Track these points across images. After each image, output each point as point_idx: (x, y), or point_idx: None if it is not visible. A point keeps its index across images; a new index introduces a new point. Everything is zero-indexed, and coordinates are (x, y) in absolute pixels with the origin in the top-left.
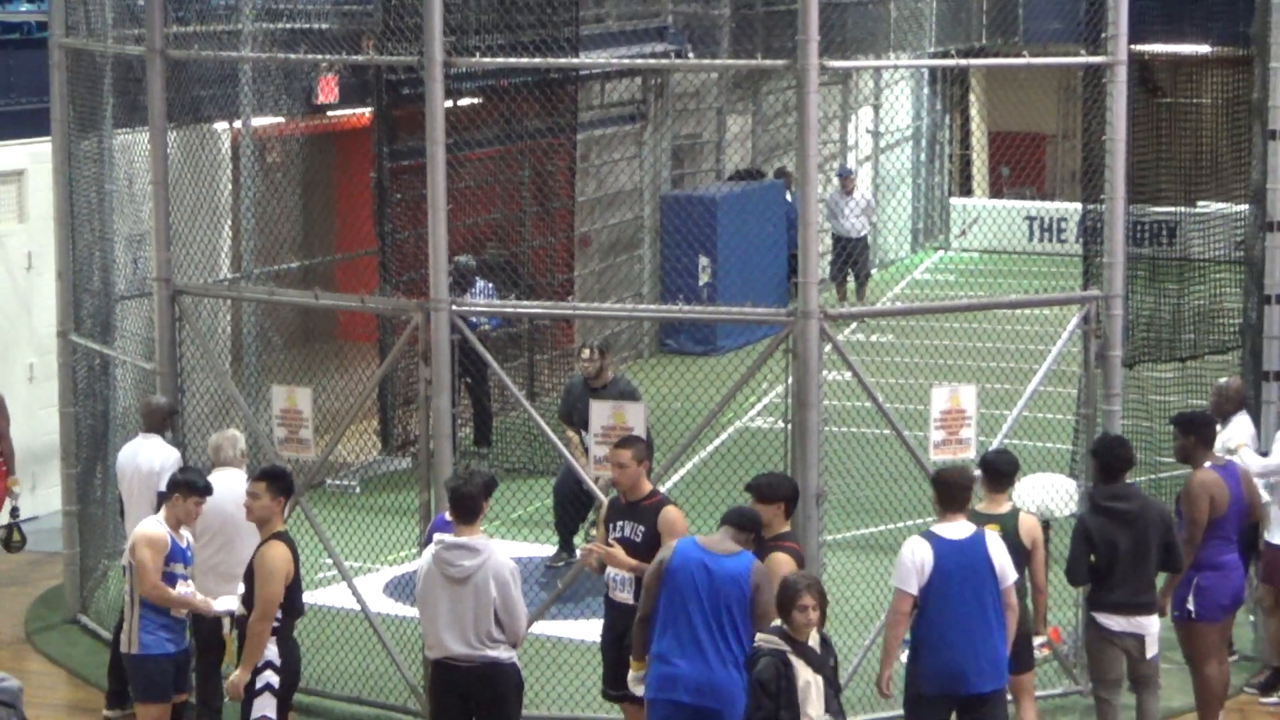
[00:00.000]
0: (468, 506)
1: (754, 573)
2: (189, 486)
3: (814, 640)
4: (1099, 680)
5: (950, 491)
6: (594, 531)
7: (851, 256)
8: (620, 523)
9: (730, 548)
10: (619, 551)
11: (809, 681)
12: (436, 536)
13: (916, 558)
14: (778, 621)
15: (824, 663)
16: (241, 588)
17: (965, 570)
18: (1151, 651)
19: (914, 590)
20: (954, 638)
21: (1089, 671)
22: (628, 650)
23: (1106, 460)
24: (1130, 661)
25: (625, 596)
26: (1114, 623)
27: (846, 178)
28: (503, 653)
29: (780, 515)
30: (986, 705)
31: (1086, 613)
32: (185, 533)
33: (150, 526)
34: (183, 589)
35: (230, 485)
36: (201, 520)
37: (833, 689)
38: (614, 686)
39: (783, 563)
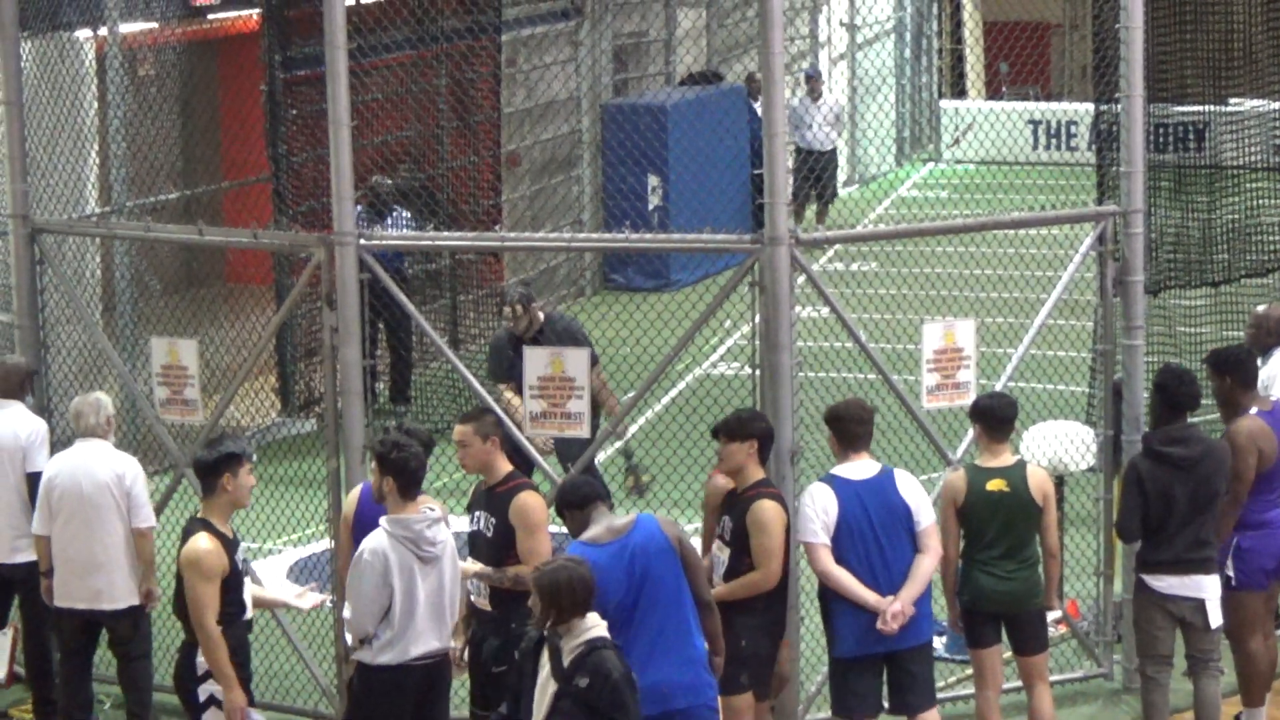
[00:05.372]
0: (418, 477)
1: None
2: None
3: (579, 638)
4: (1145, 655)
5: (847, 427)
6: None
7: (816, 173)
8: (477, 513)
9: None
10: (465, 565)
11: (543, 684)
12: (386, 519)
13: (818, 504)
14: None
15: (562, 672)
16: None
17: (873, 514)
18: (1215, 620)
19: (823, 539)
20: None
21: (1136, 646)
22: (485, 662)
23: (1159, 396)
24: (1186, 634)
25: (483, 602)
26: (1164, 584)
27: (814, 80)
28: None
29: (754, 457)
30: (914, 661)
31: (1135, 575)
32: None
33: None
34: None
35: (90, 461)
36: (55, 502)
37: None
38: (482, 706)
39: (773, 512)
